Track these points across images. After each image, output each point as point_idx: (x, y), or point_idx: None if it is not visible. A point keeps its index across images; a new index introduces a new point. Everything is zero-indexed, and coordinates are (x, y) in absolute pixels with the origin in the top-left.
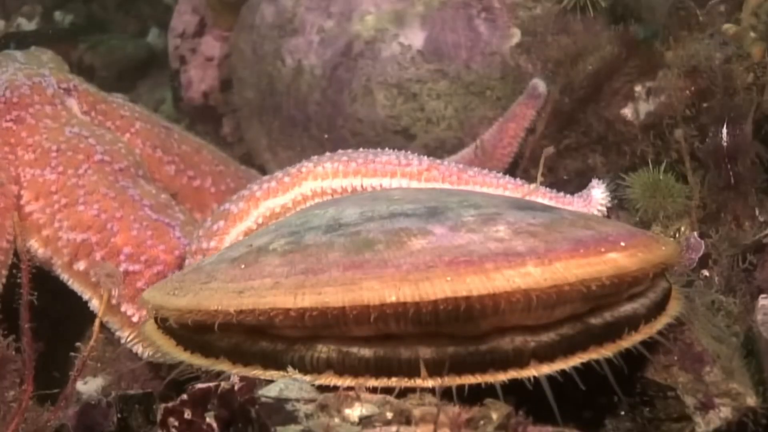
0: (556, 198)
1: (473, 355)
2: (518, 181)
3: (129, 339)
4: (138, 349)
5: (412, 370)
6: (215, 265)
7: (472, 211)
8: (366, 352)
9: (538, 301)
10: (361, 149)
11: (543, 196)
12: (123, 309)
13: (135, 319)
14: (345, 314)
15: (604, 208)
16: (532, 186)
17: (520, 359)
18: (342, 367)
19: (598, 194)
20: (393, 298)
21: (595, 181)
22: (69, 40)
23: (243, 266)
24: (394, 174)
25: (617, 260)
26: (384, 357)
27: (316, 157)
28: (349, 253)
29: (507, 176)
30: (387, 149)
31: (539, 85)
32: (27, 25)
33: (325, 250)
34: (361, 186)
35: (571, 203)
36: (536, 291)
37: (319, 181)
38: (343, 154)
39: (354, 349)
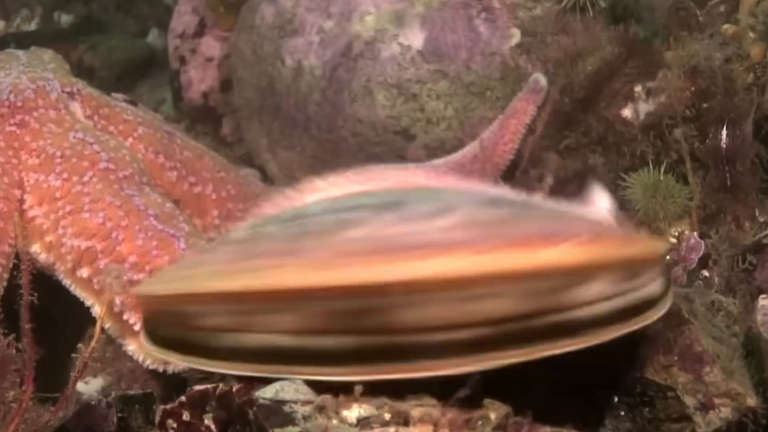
0: None
1: (397, 346)
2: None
3: (131, 349)
4: (139, 357)
5: (336, 362)
6: (194, 254)
7: (430, 204)
8: (289, 341)
9: (463, 293)
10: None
11: None
12: (125, 317)
13: (137, 327)
14: (262, 301)
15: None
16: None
17: (446, 352)
18: (266, 358)
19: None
20: (305, 284)
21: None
22: (69, 40)
23: (205, 254)
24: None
25: (551, 255)
26: (308, 348)
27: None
28: (288, 242)
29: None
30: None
31: (540, 79)
32: (27, 25)
33: (270, 239)
34: None
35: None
36: (459, 282)
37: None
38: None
39: (281, 339)
